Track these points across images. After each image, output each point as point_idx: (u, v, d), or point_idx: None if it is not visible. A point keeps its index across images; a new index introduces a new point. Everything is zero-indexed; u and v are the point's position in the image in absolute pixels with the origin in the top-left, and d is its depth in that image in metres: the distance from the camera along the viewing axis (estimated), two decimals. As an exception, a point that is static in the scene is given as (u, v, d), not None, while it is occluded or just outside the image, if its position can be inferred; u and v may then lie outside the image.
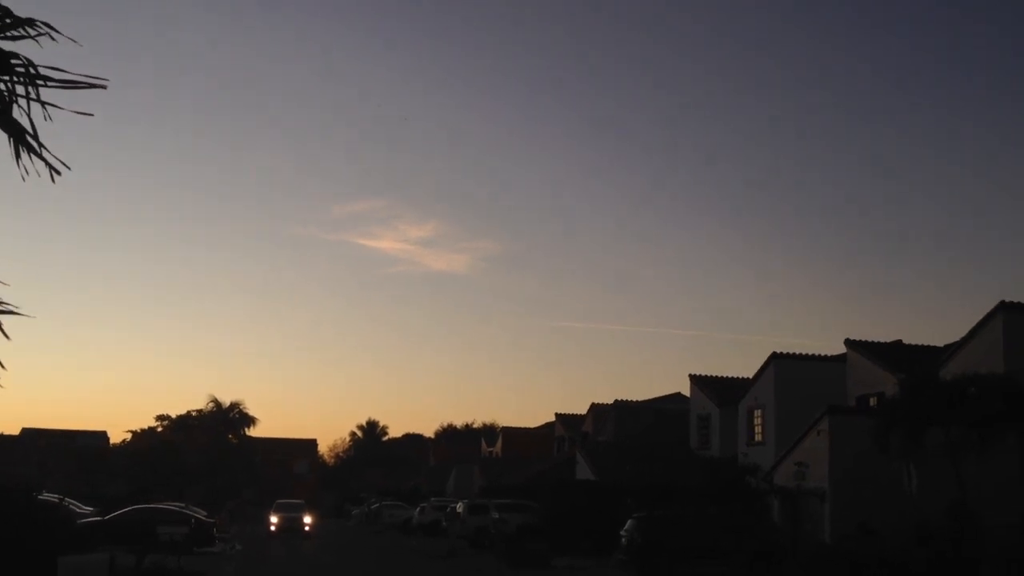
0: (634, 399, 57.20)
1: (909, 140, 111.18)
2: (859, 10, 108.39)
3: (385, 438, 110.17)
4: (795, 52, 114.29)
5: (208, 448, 78.12)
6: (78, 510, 43.54)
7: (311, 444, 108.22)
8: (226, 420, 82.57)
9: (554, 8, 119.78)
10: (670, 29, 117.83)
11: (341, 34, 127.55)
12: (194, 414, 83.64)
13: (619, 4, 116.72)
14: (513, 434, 76.85)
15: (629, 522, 31.32)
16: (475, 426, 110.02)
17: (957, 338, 31.57)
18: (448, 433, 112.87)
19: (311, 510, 54.72)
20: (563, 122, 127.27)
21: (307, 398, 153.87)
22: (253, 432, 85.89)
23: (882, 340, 37.48)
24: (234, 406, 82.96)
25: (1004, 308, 29.42)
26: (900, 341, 37.83)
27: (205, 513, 43.13)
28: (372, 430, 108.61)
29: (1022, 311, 29.58)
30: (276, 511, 49.89)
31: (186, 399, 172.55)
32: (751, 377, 42.93)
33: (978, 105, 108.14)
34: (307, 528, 48.52)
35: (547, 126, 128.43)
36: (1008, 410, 24.21)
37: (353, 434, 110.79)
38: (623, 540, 31.05)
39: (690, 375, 49.09)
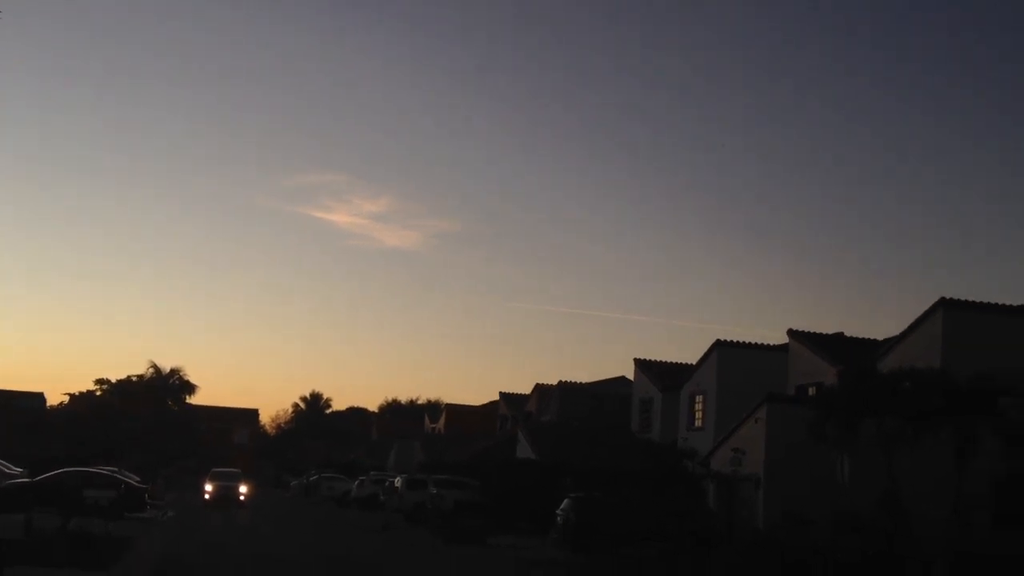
0: (579, 381, 57.42)
1: (856, 134, 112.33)
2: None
3: (328, 411, 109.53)
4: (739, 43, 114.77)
5: (146, 414, 77.00)
6: (7, 471, 42.69)
7: (252, 414, 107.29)
8: (166, 386, 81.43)
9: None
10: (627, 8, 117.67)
11: (297, 4, 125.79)
12: (134, 379, 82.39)
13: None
14: (457, 411, 76.74)
15: (565, 502, 31.36)
16: (420, 402, 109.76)
17: (898, 332, 31.93)
18: (392, 408, 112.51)
19: (248, 480, 54.12)
20: (518, 103, 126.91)
21: (252, 368, 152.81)
22: (194, 400, 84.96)
23: (825, 332, 37.82)
24: (174, 372, 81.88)
25: (944, 305, 29.76)
26: (842, 333, 38.19)
27: (138, 479, 42.44)
28: (315, 402, 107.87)
29: (962, 308, 29.95)
30: (211, 479, 49.27)
31: (127, 364, 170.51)
32: (694, 363, 43.13)
33: (922, 100, 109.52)
34: (242, 498, 48.04)
35: (502, 107, 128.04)
36: (943, 405, 24.44)
37: (296, 405, 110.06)
38: (559, 520, 31.07)
39: (635, 359, 49.22)
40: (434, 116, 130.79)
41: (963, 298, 30.41)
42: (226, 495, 47.49)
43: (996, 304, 30.91)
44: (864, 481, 26.12)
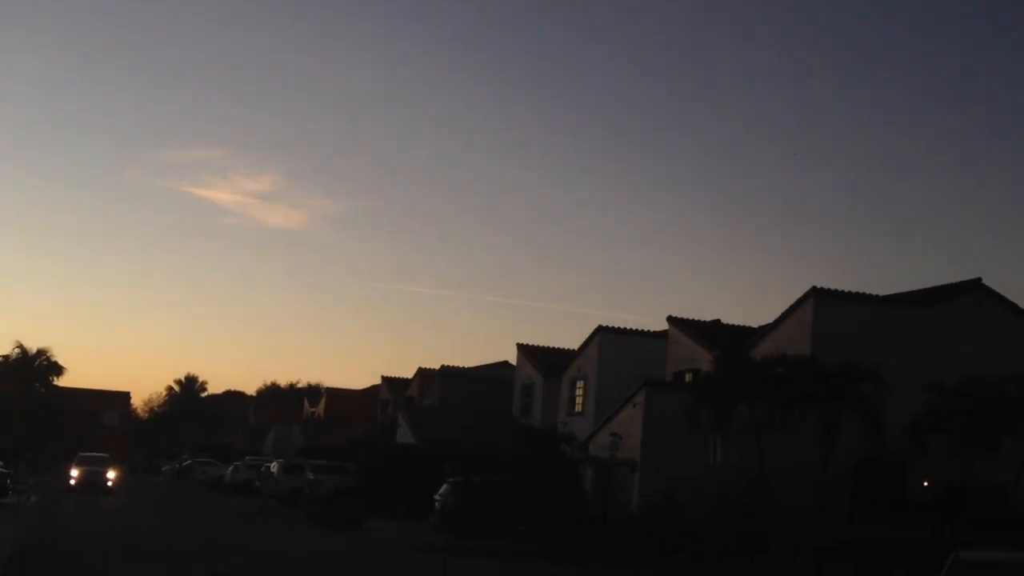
0: (462, 365, 57.34)
1: (734, 123, 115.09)
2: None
3: (204, 394, 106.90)
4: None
5: (11, 396, 73.86)
6: None
7: (124, 396, 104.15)
8: (32, 368, 78.22)
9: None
10: None
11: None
12: (-1, 359, 78.94)
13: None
14: (337, 395, 75.87)
15: (444, 487, 31.32)
16: (299, 386, 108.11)
17: (772, 320, 32.81)
18: (271, 392, 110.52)
19: (116, 465, 52.43)
20: (409, 79, 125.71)
21: (124, 349, 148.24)
22: (62, 382, 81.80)
23: (703, 319, 38.58)
24: (41, 353, 78.65)
25: (815, 294, 30.70)
26: (719, 321, 39.02)
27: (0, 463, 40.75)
28: (191, 385, 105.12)
29: (832, 297, 30.96)
30: (77, 464, 47.57)
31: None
32: (576, 349, 43.53)
33: (794, 88, 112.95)
34: (109, 483, 46.49)
35: (392, 84, 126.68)
36: (812, 391, 25.23)
37: (170, 388, 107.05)
38: (437, 505, 31.01)
39: (517, 344, 49.46)
40: (323, 91, 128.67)
41: (834, 288, 31.42)
42: (93, 480, 45.92)
43: (864, 294, 32.04)
44: (737, 465, 26.81)
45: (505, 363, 55.93)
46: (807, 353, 28.07)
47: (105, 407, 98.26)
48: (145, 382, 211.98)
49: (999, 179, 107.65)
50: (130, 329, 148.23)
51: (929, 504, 27.57)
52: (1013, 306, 32.73)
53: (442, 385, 54.32)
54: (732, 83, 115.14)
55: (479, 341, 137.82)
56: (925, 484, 28.63)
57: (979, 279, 32.66)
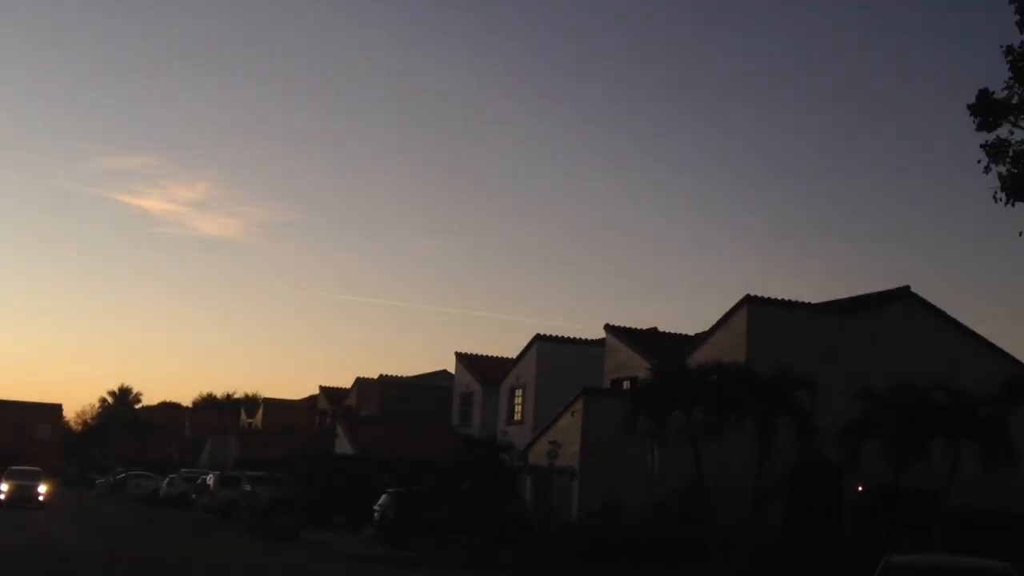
0: (401, 375, 57.10)
1: (675, 138, 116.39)
2: None
3: (139, 406, 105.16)
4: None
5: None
6: None
7: (56, 409, 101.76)
8: (-42, 380, 76.24)
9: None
10: None
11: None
12: (-78, 372, 76.82)
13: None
14: (275, 406, 75.08)
15: (383, 497, 31.19)
16: (236, 396, 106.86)
17: (707, 328, 33.19)
18: (207, 403, 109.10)
19: (48, 478, 51.24)
20: (344, 89, 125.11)
21: (56, 361, 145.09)
22: (-10, 394, 79.77)
23: (640, 327, 38.88)
24: (-32, 365, 76.74)
25: (750, 301, 31.14)
26: (656, 328, 39.37)
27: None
28: (124, 397, 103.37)
29: (765, 305, 31.43)
30: (7, 478, 46.33)
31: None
32: (515, 357, 43.59)
33: (740, 102, 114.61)
34: (41, 497, 45.38)
35: (327, 92, 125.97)
36: (746, 397, 25.50)
37: (103, 400, 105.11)
38: (376, 515, 30.85)
39: (456, 353, 49.41)
40: (256, 99, 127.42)
41: (768, 296, 31.88)
42: (24, 495, 44.85)
43: (797, 302, 32.57)
44: (674, 472, 27.03)
45: (444, 372, 55.83)
46: (742, 360, 28.41)
47: (36, 420, 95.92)
48: (78, 394, 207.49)
49: (927, 189, 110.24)
50: (62, 340, 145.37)
51: (864, 509, 28.07)
52: (941, 313, 33.51)
53: (381, 394, 54.07)
54: (668, 93, 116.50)
55: (418, 350, 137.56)
56: (859, 489, 29.12)
57: (908, 287, 33.39)
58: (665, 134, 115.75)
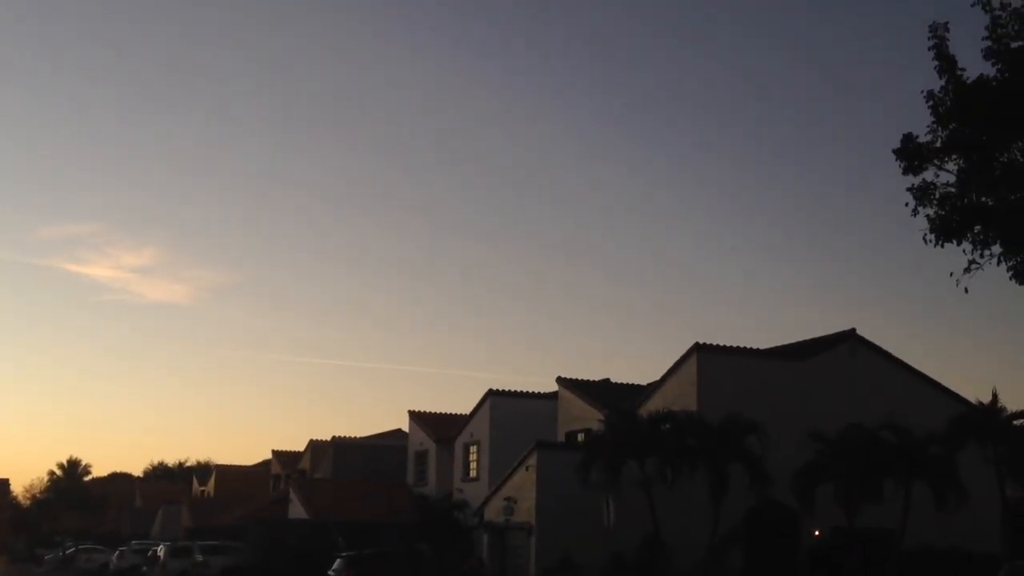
0: (354, 435, 56.46)
1: (618, 189, 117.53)
2: None
3: (88, 477, 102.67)
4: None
5: None
6: None
7: (2, 484, 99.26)
8: (-102, 458, 74.08)
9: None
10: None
11: (44, 37, 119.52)
12: None
13: None
14: (227, 472, 73.76)
15: (337, 562, 30.62)
16: (188, 464, 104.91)
17: (659, 377, 33.23)
18: (159, 472, 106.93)
19: (-7, 557, 49.66)
20: (283, 149, 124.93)
21: (1, 434, 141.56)
22: (-68, 472, 77.60)
23: (592, 378, 38.84)
24: (-91, 443, 74.67)
25: (699, 349, 31.27)
26: (608, 379, 39.34)
27: None
28: (73, 469, 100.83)
29: (715, 352, 31.58)
30: None
31: None
32: (468, 413, 43.29)
33: (674, 143, 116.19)
34: (-14, 578, 43.64)
35: (267, 153, 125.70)
36: (698, 445, 25.59)
37: (52, 473, 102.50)
38: (331, 580, 30.26)
39: (409, 411, 48.96)
40: (200, 163, 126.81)
41: (716, 343, 32.07)
42: None
43: (745, 348, 32.76)
44: (630, 523, 26.87)
45: (398, 431, 55.25)
46: (694, 408, 28.49)
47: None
48: (25, 468, 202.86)
49: (865, 232, 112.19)
50: (6, 413, 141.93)
51: (821, 553, 28.07)
52: (887, 355, 33.91)
53: (334, 456, 53.35)
54: (591, 147, 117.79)
55: (370, 410, 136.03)
56: (816, 533, 29.18)
57: (853, 330, 33.77)
58: (613, 179, 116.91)
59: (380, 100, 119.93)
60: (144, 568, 46.23)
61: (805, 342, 34.67)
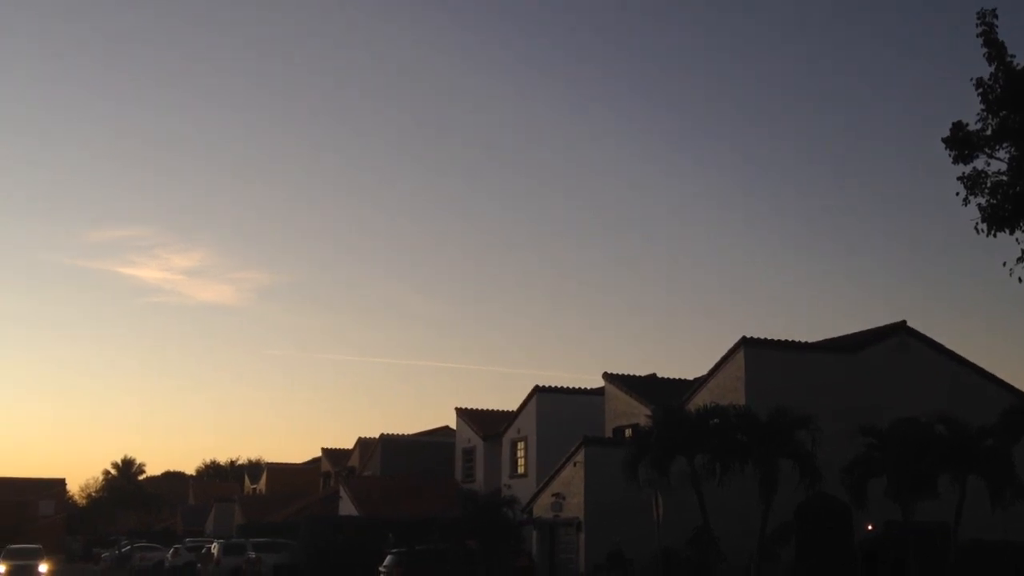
0: (402, 433, 56.80)
1: (661, 181, 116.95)
2: None
3: (142, 476, 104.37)
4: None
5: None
6: None
7: (59, 484, 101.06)
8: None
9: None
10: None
11: (86, 43, 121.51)
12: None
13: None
14: (278, 470, 74.62)
15: (388, 558, 30.87)
16: (240, 463, 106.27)
17: (705, 372, 33.04)
18: (211, 470, 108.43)
19: (52, 556, 50.37)
20: (329, 149, 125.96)
21: (58, 435, 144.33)
22: (-9, 472, 79.31)
23: (638, 374, 38.73)
24: (-32, 444, 76.34)
25: (746, 343, 31.02)
26: (654, 375, 39.21)
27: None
28: (128, 468, 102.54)
29: (762, 346, 31.31)
30: (5, 558, 44.03)
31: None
32: (515, 410, 43.36)
33: (729, 140, 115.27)
34: (43, 576, 43.92)
35: (314, 153, 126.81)
36: (747, 441, 25.37)
37: (107, 472, 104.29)
38: (381, 577, 30.51)
39: (456, 408, 49.15)
40: (247, 165, 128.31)
41: (763, 337, 31.78)
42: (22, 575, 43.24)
43: (793, 341, 32.46)
44: (680, 518, 26.73)
45: (445, 428, 55.52)
46: (742, 402, 28.26)
47: (39, 496, 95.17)
48: (81, 468, 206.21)
49: (917, 223, 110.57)
50: (64, 414, 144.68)
51: (874, 547, 27.74)
52: (939, 346, 33.42)
53: (383, 454, 53.73)
54: (642, 147, 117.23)
55: (418, 407, 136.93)
56: (869, 528, 28.85)
57: (904, 322, 33.32)
58: (660, 178, 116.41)
59: (426, 106, 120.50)
60: (198, 565, 46.92)
61: (855, 335, 34.29)
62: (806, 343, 32.91)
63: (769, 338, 31.88)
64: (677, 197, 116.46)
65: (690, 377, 36.98)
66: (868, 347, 32.52)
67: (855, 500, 25.50)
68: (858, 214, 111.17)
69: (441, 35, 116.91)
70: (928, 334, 33.59)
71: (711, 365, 32.46)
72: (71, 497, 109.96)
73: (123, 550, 64.49)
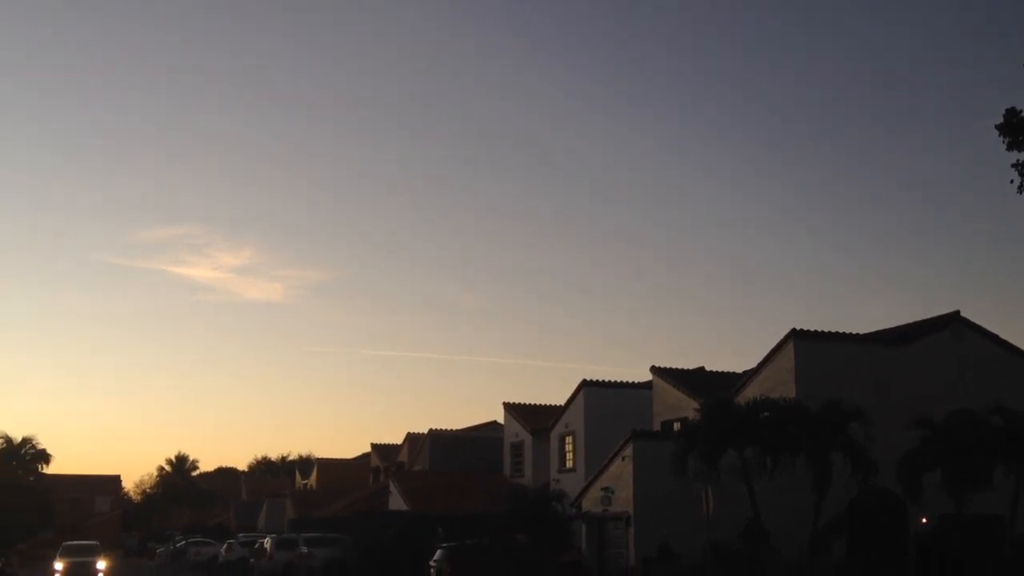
0: (450, 428, 57.04)
1: (704, 175, 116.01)
2: None
3: (195, 472, 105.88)
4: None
5: (-2, 487, 72.93)
6: None
7: (114, 480, 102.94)
8: (18, 457, 77.36)
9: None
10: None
11: (160, 50, 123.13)
12: (-15, 452, 78.11)
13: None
14: (328, 466, 75.28)
15: (438, 552, 31.01)
16: (291, 458, 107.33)
17: (755, 365, 32.74)
18: (262, 466, 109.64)
19: (109, 551, 51.07)
20: (376, 149, 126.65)
21: (113, 432, 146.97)
22: (50, 469, 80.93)
23: (686, 367, 38.52)
24: (27, 442, 77.91)
25: (796, 335, 30.68)
26: (703, 368, 38.95)
27: (-12, 556, 39.90)
28: (181, 464, 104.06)
29: (812, 338, 30.94)
30: (62, 555, 43.69)
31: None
32: (563, 404, 43.34)
33: (785, 128, 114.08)
34: (100, 573, 43.95)
35: (361, 151, 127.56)
36: (798, 433, 25.13)
37: (161, 469, 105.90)
38: (432, 571, 30.66)
39: (504, 403, 49.24)
40: (296, 164, 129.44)
41: (815, 328, 31.43)
42: (81, 572, 42.94)
43: (844, 333, 32.05)
44: (729, 513, 26.58)
45: (493, 423, 55.64)
46: (792, 395, 27.99)
47: (95, 492, 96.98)
48: (135, 464, 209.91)
49: (974, 211, 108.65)
50: (117, 412, 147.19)
51: (929, 541, 27.36)
52: (993, 336, 32.84)
53: (431, 449, 53.98)
54: (690, 135, 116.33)
55: (465, 402, 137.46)
56: (923, 521, 28.46)
57: (957, 312, 32.78)
58: (704, 172, 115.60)
59: (472, 103, 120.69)
60: (251, 560, 47.46)
61: (907, 326, 33.79)
62: (857, 335, 32.47)
63: (819, 330, 31.52)
64: (726, 191, 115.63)
65: (739, 370, 36.72)
66: (921, 338, 32.04)
67: (909, 493, 25.16)
68: (909, 204, 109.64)
69: (491, 35, 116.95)
70: (983, 324, 33.06)
71: (760, 358, 32.16)
72: (126, 493, 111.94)
73: (177, 545, 65.56)
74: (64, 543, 47.56)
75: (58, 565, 42.63)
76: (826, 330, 31.67)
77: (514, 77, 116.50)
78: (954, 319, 32.61)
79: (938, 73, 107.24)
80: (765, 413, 26.19)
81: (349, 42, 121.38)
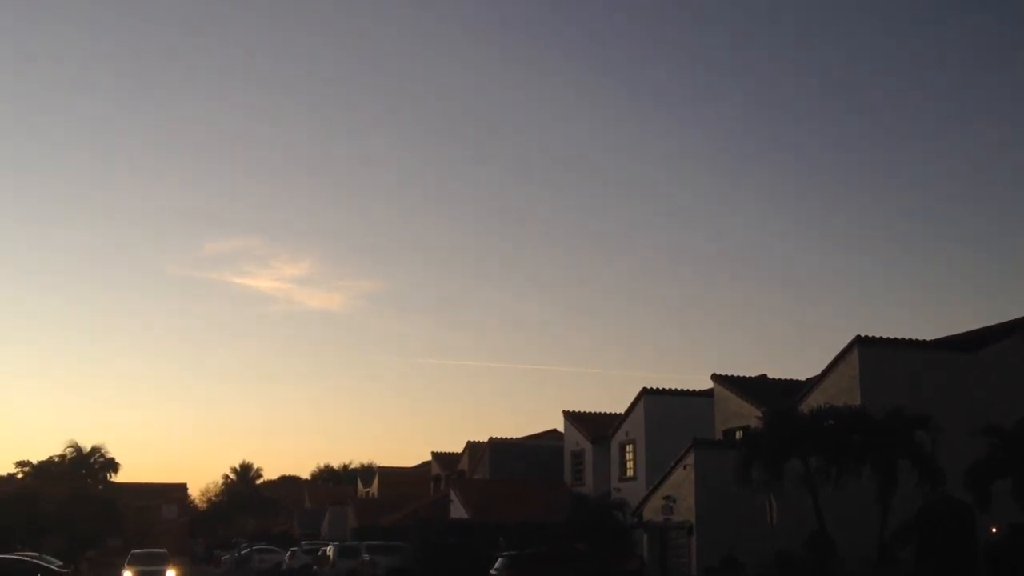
0: (510, 436, 57.08)
1: (768, 184, 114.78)
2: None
3: (259, 481, 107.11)
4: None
5: (68, 495, 74.46)
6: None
7: (181, 488, 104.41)
8: (87, 466, 78.96)
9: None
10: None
11: (217, 66, 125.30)
12: (56, 460, 79.82)
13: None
14: (389, 474, 75.69)
15: (499, 561, 31.06)
16: (352, 467, 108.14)
17: (818, 372, 32.34)
18: (325, 474, 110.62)
19: (177, 559, 51.74)
20: (434, 160, 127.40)
21: (179, 441, 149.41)
22: (118, 478, 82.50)
23: (747, 375, 38.16)
24: (96, 451, 79.50)
25: (860, 343, 30.27)
26: (765, 376, 38.59)
27: (59, 563, 40.77)
28: (246, 473, 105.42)
29: (877, 345, 30.50)
30: (131, 563, 43.43)
31: (48, 444, 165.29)
32: (623, 412, 43.17)
33: (855, 137, 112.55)
34: (169, 581, 44.09)
35: (418, 164, 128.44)
36: (863, 442, 24.78)
37: (226, 477, 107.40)
38: (494, 580, 30.74)
39: (564, 412, 49.14)
40: (355, 178, 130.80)
41: (879, 335, 30.98)
42: None
43: (909, 339, 31.55)
44: (793, 522, 26.30)
45: (553, 431, 55.55)
46: (857, 403, 27.61)
47: (162, 500, 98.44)
48: (201, 472, 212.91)
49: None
50: (184, 421, 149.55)
51: (999, 551, 26.77)
52: (1064, 342, 32.07)
53: (491, 457, 54.01)
54: (762, 141, 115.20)
55: (525, 411, 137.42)
56: (993, 530, 27.86)
57: (1025, 318, 32.11)
58: (768, 183, 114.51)
59: (528, 114, 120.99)
60: (315, 567, 47.92)
61: (974, 332, 33.15)
62: (924, 341, 31.94)
63: (884, 336, 31.06)
64: (790, 200, 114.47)
65: (802, 378, 36.27)
66: (989, 344, 31.40)
67: (978, 502, 24.65)
68: (974, 208, 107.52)
69: (538, 50, 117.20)
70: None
71: (823, 366, 31.77)
72: (192, 501, 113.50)
73: (242, 553, 66.34)
74: (132, 551, 47.71)
75: (127, 573, 42.45)
76: (891, 336, 31.23)
77: (565, 91, 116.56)
78: (1022, 325, 31.92)
79: (1006, 72, 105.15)
80: (829, 421, 25.87)
81: (412, 66, 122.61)
